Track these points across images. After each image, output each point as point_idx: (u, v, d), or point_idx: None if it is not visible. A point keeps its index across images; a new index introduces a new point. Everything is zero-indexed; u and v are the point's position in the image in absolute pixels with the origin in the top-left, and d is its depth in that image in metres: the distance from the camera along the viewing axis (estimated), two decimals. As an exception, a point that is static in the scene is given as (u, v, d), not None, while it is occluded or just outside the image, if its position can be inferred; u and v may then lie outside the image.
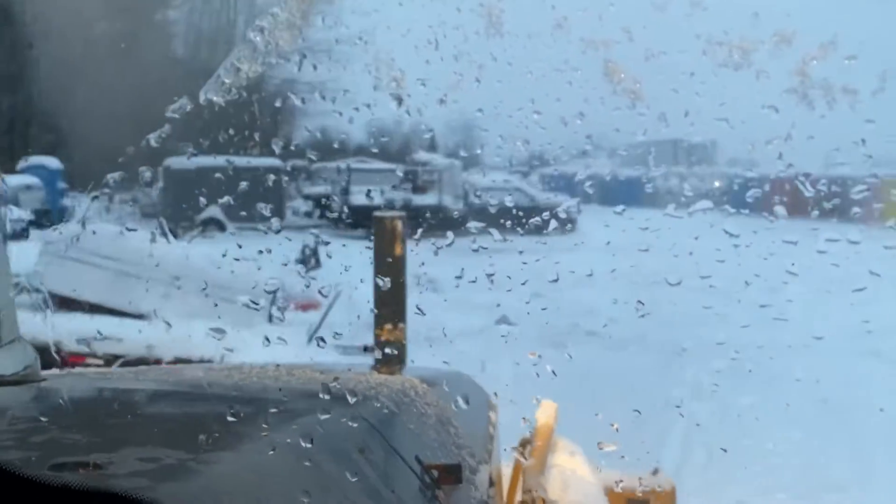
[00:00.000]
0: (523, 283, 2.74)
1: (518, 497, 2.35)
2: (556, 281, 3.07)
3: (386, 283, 5.36)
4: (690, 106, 2.22)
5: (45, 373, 1.94)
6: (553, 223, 2.51)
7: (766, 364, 6.39)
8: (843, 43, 2.05)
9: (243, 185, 2.07)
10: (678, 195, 2.47)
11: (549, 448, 2.63)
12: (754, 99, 2.12)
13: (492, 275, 2.49)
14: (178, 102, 1.86)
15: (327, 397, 1.72)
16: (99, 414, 1.68)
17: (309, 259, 13.66)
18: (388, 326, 5.41)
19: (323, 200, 21.94)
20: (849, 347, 7.51)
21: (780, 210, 2.31)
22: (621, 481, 2.76)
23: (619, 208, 2.85)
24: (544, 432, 2.67)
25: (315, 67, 1.86)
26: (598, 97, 2.16)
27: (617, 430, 2.28)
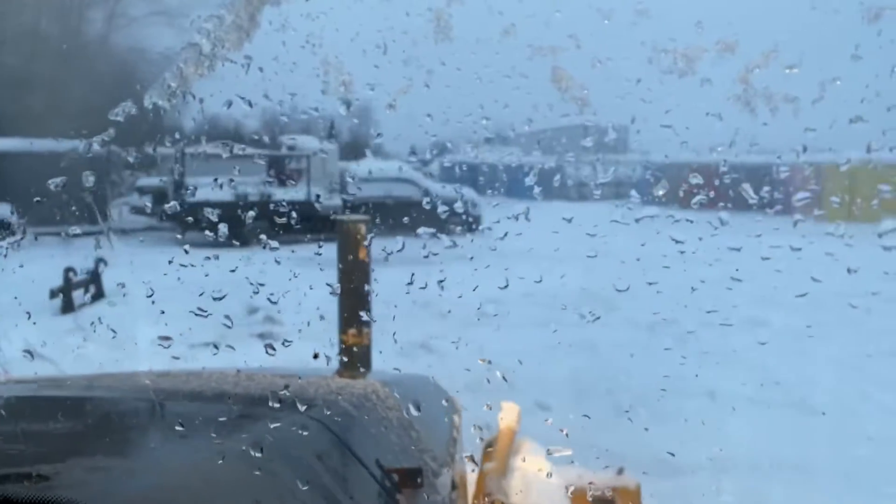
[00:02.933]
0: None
1: (481, 501, 2.34)
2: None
3: (349, 287, 5.31)
4: (636, 112, 2.25)
5: None
6: (450, 222, 2.44)
7: (712, 369, 6.49)
8: (785, 52, 2.10)
9: (51, 177, 1.65)
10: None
11: (511, 451, 2.61)
12: (699, 106, 2.15)
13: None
14: (121, 106, 1.82)
15: (277, 405, 1.69)
16: (46, 423, 1.63)
17: (84, 287, 9.05)
18: (353, 331, 5.37)
19: (162, 195, 18.12)
20: (792, 352, 7.67)
21: (724, 216, 2.35)
22: (590, 482, 2.74)
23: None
24: (506, 435, 2.65)
25: (261, 70, 1.84)
26: (545, 103, 2.18)
27: (567, 435, 2.29)
